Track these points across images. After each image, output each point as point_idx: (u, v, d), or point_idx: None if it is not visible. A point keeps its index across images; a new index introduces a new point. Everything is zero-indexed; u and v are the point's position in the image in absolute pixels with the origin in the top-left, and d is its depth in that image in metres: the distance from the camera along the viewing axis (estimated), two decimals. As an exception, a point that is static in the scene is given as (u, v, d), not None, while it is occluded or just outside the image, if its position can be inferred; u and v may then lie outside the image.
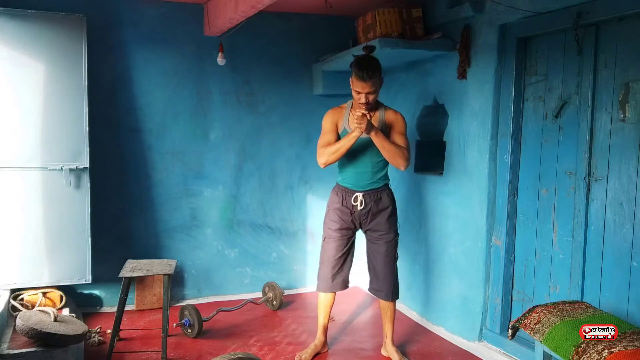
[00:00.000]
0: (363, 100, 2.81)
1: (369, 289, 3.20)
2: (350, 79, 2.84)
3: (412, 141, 3.93)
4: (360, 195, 3.00)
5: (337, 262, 3.09)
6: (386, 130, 2.96)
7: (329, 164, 2.95)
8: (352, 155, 2.97)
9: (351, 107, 2.99)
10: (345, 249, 3.09)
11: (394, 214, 3.09)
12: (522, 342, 3.04)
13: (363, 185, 3.02)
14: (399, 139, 2.94)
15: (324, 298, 3.16)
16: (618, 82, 2.57)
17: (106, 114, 3.79)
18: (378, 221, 3.04)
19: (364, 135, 2.84)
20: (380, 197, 3.03)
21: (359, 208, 3.01)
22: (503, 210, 3.21)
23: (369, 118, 2.77)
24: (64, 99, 3.39)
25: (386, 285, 3.09)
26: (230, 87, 4.13)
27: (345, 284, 3.16)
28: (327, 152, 2.90)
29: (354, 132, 2.79)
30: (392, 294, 3.11)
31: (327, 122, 3.01)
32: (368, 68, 2.76)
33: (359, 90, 2.81)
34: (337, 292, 3.19)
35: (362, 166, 3.00)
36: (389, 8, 3.49)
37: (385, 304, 3.15)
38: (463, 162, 3.45)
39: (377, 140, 2.82)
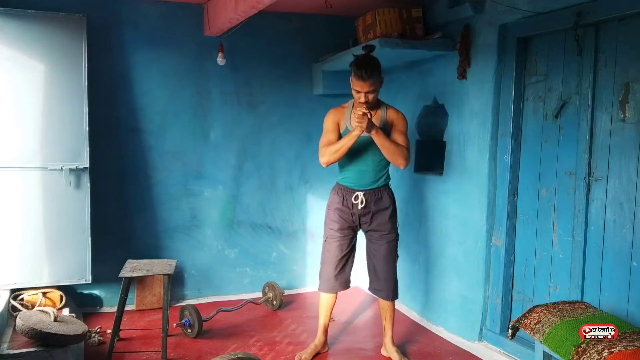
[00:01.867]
0: (363, 99, 2.82)
1: (369, 289, 3.20)
2: (350, 78, 2.85)
3: (412, 141, 3.93)
4: (361, 194, 3.01)
5: (339, 263, 3.09)
6: (387, 129, 2.97)
7: (331, 163, 2.96)
8: (353, 154, 2.97)
9: (352, 107, 3.00)
10: (346, 250, 3.09)
11: (394, 214, 3.10)
12: (522, 342, 3.04)
13: (364, 184, 3.02)
14: (399, 138, 2.95)
15: (326, 299, 3.16)
16: (618, 82, 2.58)
17: (106, 114, 3.80)
18: (379, 221, 3.04)
19: (365, 134, 2.84)
20: (381, 197, 3.03)
21: (359, 207, 3.01)
22: (503, 210, 3.21)
23: (369, 117, 2.78)
24: (64, 99, 3.39)
25: (386, 285, 3.09)
26: (231, 87, 4.13)
27: (347, 284, 3.16)
28: (329, 152, 2.91)
29: (355, 131, 2.80)
30: (392, 294, 3.11)
31: (329, 121, 3.01)
32: (367, 67, 2.77)
33: (359, 89, 2.81)
34: (338, 292, 3.19)
35: (364, 165, 3.00)
36: (389, 8, 3.49)
37: (385, 304, 3.15)
38: (463, 162, 3.45)
39: (378, 139, 2.83)
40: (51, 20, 3.35)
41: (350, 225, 3.07)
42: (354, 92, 2.87)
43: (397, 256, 3.11)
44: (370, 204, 3.02)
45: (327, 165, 2.98)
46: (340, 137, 2.97)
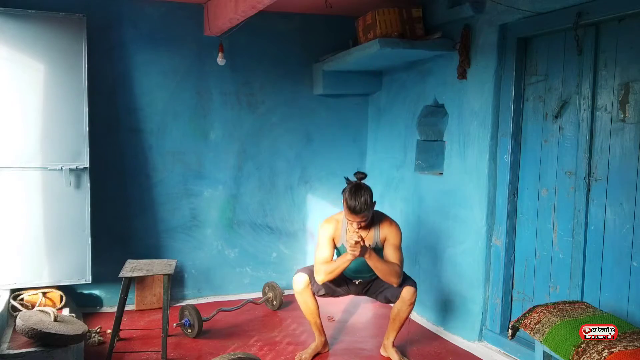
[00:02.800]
0: (356, 227, 2.88)
1: (383, 301, 3.18)
2: (343, 204, 2.89)
3: (412, 141, 3.94)
4: (357, 281, 3.16)
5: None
6: (379, 246, 3.02)
7: (328, 282, 3.02)
8: (350, 265, 2.98)
9: (347, 223, 2.98)
10: (337, 291, 3.18)
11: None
12: (522, 342, 3.04)
13: (362, 277, 3.14)
14: (392, 254, 2.98)
15: (303, 299, 3.09)
16: (618, 82, 2.58)
17: (106, 114, 3.80)
18: (377, 282, 3.12)
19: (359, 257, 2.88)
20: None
21: (356, 284, 3.17)
22: (503, 210, 3.21)
23: (362, 244, 2.81)
24: (64, 99, 3.39)
25: (406, 280, 3.04)
26: (231, 87, 4.13)
27: (318, 291, 3.12)
28: (324, 271, 2.96)
29: (348, 256, 2.85)
30: (411, 280, 3.06)
31: (324, 236, 3.04)
32: (358, 201, 2.82)
33: (351, 220, 2.87)
34: (318, 298, 3.15)
35: (360, 272, 3.11)
36: (389, 8, 3.49)
37: (400, 306, 3.03)
38: (463, 162, 3.45)
39: (371, 262, 2.89)
40: (51, 20, 3.34)
41: (346, 290, 3.20)
42: (346, 218, 2.90)
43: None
44: (368, 283, 3.16)
45: (323, 283, 3.02)
46: (335, 247, 3.06)
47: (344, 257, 2.88)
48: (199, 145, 4.10)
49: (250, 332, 3.53)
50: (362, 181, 2.96)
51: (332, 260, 3.02)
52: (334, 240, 3.05)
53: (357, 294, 3.23)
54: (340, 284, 3.14)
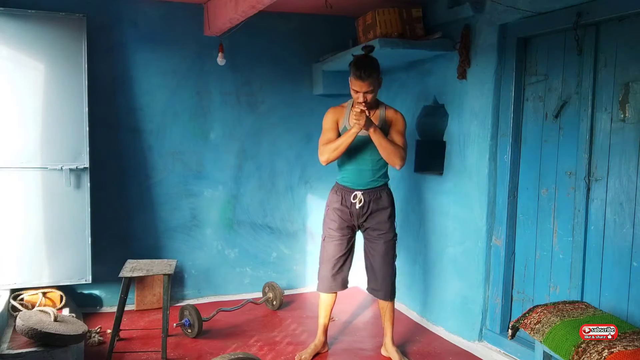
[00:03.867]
0: (361, 99, 2.85)
1: (367, 289, 3.20)
2: (349, 78, 2.87)
3: (412, 141, 3.93)
4: (359, 194, 3.02)
5: (337, 262, 3.09)
6: (386, 128, 2.98)
7: (331, 161, 2.99)
8: (352, 153, 2.99)
9: (352, 106, 3.00)
10: (345, 249, 3.09)
11: (393, 214, 3.10)
12: (522, 342, 3.04)
13: (363, 183, 3.03)
14: (397, 138, 2.97)
15: (325, 298, 3.16)
16: (618, 82, 2.57)
17: (106, 114, 3.80)
18: (377, 220, 3.04)
19: (364, 133, 2.86)
20: (380, 196, 3.04)
21: (357, 206, 3.02)
22: (503, 210, 3.21)
23: (367, 114, 2.81)
24: (64, 99, 3.39)
25: (384, 285, 3.09)
26: (231, 87, 4.14)
27: (345, 284, 3.16)
28: (328, 150, 2.94)
29: (353, 129, 2.84)
30: (390, 294, 3.12)
31: (328, 120, 3.03)
32: (366, 67, 2.79)
33: (357, 89, 2.84)
34: (337, 292, 3.19)
35: (362, 164, 3.01)
36: (389, 8, 3.49)
37: (384, 304, 3.15)
38: (463, 162, 3.45)
39: (375, 137, 2.85)
40: (51, 20, 3.34)
41: (349, 224, 3.07)
42: (352, 92, 2.89)
43: (396, 255, 3.12)
44: (369, 203, 3.03)
45: (327, 164, 3.00)
46: (339, 135, 2.99)
47: (348, 132, 2.87)
48: (199, 145, 4.10)
49: (250, 332, 3.53)
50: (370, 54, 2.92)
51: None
52: (337, 124, 3.02)
53: (358, 226, 3.10)
54: (343, 222, 3.05)
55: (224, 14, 3.46)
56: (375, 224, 3.05)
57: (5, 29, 3.26)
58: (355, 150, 2.98)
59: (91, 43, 3.52)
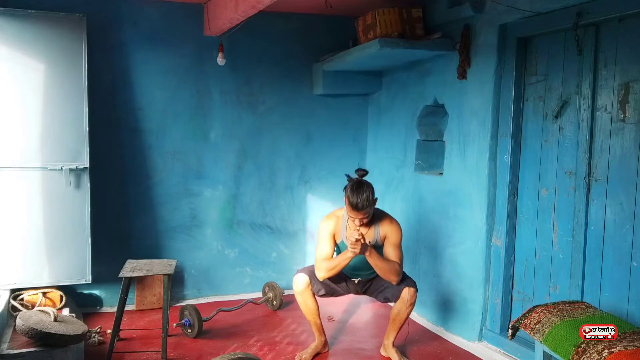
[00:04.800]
0: (357, 223, 2.90)
1: (382, 300, 3.19)
2: (345, 200, 2.90)
3: (412, 141, 3.94)
4: (357, 280, 3.16)
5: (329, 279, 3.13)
6: (379, 244, 3.03)
7: (328, 278, 3.03)
8: (350, 262, 2.99)
9: (347, 218, 3.00)
10: (337, 290, 3.18)
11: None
12: (522, 342, 3.04)
13: (361, 276, 3.14)
14: (392, 252, 2.99)
15: (303, 299, 3.09)
16: (618, 82, 2.58)
17: (106, 114, 3.80)
18: (377, 281, 3.13)
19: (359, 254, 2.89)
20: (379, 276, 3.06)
21: (356, 282, 3.17)
22: (503, 210, 3.21)
23: (362, 242, 2.81)
24: (64, 99, 3.39)
25: (405, 279, 3.05)
26: (231, 87, 4.13)
27: (318, 290, 3.12)
28: (325, 268, 2.97)
29: (349, 254, 2.86)
30: (412, 281, 3.05)
31: (324, 232, 3.05)
32: (361, 197, 2.82)
33: (353, 216, 2.89)
34: (318, 298, 3.16)
35: (360, 270, 3.10)
36: (389, 8, 3.49)
37: (401, 306, 3.01)
38: (463, 162, 3.45)
39: (371, 260, 2.90)
40: (51, 20, 3.34)
41: (346, 289, 3.20)
42: (348, 215, 2.92)
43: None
44: (368, 282, 3.16)
45: (324, 280, 3.03)
46: (336, 245, 3.06)
47: (345, 255, 2.89)
48: (199, 145, 4.10)
49: (250, 332, 3.53)
50: (364, 178, 2.96)
51: (332, 257, 3.03)
52: (334, 236, 3.05)
53: (357, 293, 3.23)
54: (339, 282, 3.15)
55: (224, 14, 3.46)
56: (376, 285, 3.14)
57: (5, 29, 3.26)
58: (353, 262, 2.98)
59: (91, 43, 3.52)
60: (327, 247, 3.03)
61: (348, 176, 3.00)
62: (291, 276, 4.42)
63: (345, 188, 2.92)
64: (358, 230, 2.85)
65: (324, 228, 3.06)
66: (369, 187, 2.88)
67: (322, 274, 2.98)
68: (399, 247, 3.02)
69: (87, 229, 3.46)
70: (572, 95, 2.83)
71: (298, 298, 3.11)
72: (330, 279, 3.06)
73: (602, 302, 2.66)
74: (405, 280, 3.04)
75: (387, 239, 3.01)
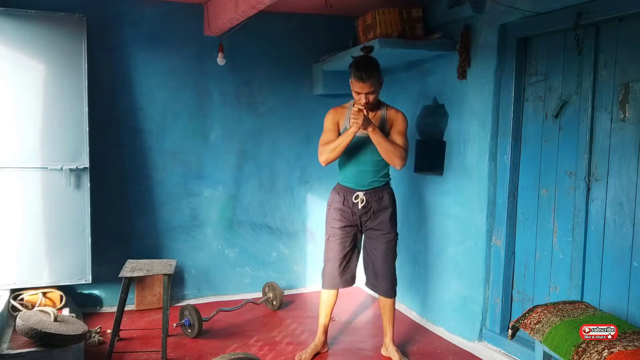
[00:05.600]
0: (363, 100, 2.84)
1: (366, 284, 3.22)
2: (350, 80, 2.86)
3: (412, 141, 3.93)
4: (361, 194, 3.02)
5: (344, 259, 3.10)
6: (386, 129, 2.98)
7: (330, 162, 2.98)
8: (352, 154, 2.99)
9: (353, 105, 2.99)
10: (349, 246, 3.10)
11: (394, 213, 3.10)
12: (522, 342, 3.04)
13: (364, 184, 3.03)
14: (397, 138, 2.96)
15: (327, 297, 3.16)
16: (618, 82, 2.58)
17: (106, 114, 3.80)
18: (379, 220, 3.04)
19: (363, 133, 2.86)
20: (382, 196, 3.04)
21: (360, 206, 3.02)
22: (503, 210, 3.21)
23: (365, 114, 2.79)
24: (64, 99, 3.39)
25: (385, 282, 3.09)
26: (231, 88, 4.13)
27: (352, 280, 3.17)
28: (327, 150, 2.93)
29: (352, 128, 2.82)
30: (391, 291, 3.11)
31: (329, 120, 3.03)
32: (366, 68, 2.78)
33: (359, 90, 2.83)
34: (339, 292, 3.19)
35: (363, 165, 3.01)
36: (389, 8, 3.49)
37: (384, 302, 3.15)
38: (463, 162, 3.45)
39: (374, 137, 2.84)
40: (51, 20, 3.34)
41: (352, 223, 3.07)
42: (354, 94, 2.88)
43: (396, 255, 3.12)
44: (371, 203, 3.03)
45: (326, 164, 2.99)
46: (339, 133, 2.99)
47: (347, 132, 2.86)
48: (199, 145, 4.10)
49: (250, 332, 3.53)
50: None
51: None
52: (338, 124, 3.01)
53: (360, 229, 3.10)
54: (344, 221, 3.05)
55: (224, 14, 3.46)
56: (377, 224, 3.05)
57: (5, 29, 3.26)
58: (356, 151, 2.97)
59: (91, 43, 3.52)
60: (330, 134, 2.98)
61: (354, 56, 2.92)
62: (291, 276, 4.46)
63: (350, 65, 2.86)
64: (365, 104, 2.81)
65: (328, 117, 3.03)
66: (376, 62, 2.83)
67: (324, 157, 2.93)
68: (405, 135, 2.98)
69: (87, 229, 3.46)
70: (572, 95, 2.83)
71: (324, 296, 3.17)
72: (337, 216, 3.03)
73: (602, 302, 2.66)
74: (389, 290, 3.09)
75: (393, 126, 2.97)
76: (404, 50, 3.40)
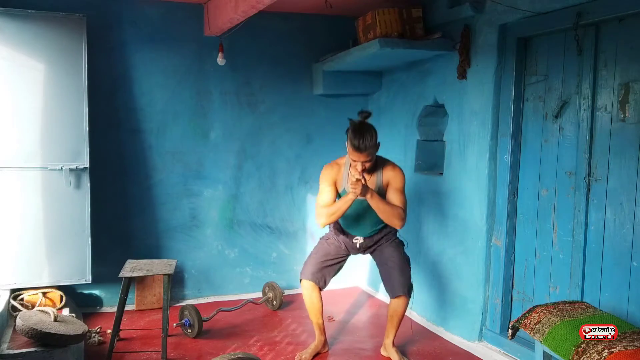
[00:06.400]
0: (360, 168, 2.81)
1: (386, 290, 3.14)
2: (347, 144, 2.84)
3: (412, 141, 3.94)
4: (361, 239, 3.09)
5: (327, 261, 3.11)
6: (382, 190, 2.97)
7: (328, 224, 2.98)
8: (352, 211, 2.97)
9: (349, 165, 2.93)
10: (338, 259, 3.14)
11: (399, 245, 3.12)
12: (522, 342, 3.04)
13: (364, 233, 3.09)
14: (395, 198, 2.92)
15: (308, 295, 3.09)
16: (618, 82, 2.58)
17: (106, 114, 3.80)
18: (381, 249, 3.10)
19: (362, 197, 2.83)
20: (382, 236, 3.08)
21: (357, 247, 3.10)
22: (503, 210, 3.21)
23: (363, 182, 2.76)
24: (64, 99, 3.39)
25: (402, 278, 3.00)
26: (231, 87, 4.14)
27: (324, 283, 3.11)
28: (325, 213, 2.90)
29: (350, 195, 2.80)
30: (406, 287, 3.00)
31: (325, 179, 2.99)
32: (363, 139, 2.74)
33: (355, 159, 2.80)
34: (324, 292, 3.16)
35: (362, 219, 3.05)
36: (389, 8, 3.49)
37: (397, 304, 3.04)
38: (463, 162, 3.45)
39: (373, 202, 2.82)
40: (51, 20, 3.34)
41: (346, 254, 3.15)
42: (350, 158, 2.85)
43: (409, 258, 3.12)
44: (370, 244, 3.10)
45: (324, 227, 2.98)
46: (338, 194, 2.98)
47: (346, 197, 2.83)
48: (199, 145, 4.10)
49: (250, 332, 3.53)
50: (367, 120, 2.87)
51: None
52: (335, 185, 2.98)
53: (358, 252, 3.16)
54: (338, 249, 3.09)
55: (224, 14, 3.46)
56: (381, 253, 3.10)
57: (5, 29, 3.26)
58: (355, 209, 2.96)
59: (91, 43, 3.52)
60: (328, 195, 2.94)
61: (350, 120, 2.88)
62: (291, 276, 4.45)
63: (347, 130, 2.83)
64: (360, 172, 2.78)
65: (324, 176, 2.98)
66: (372, 129, 2.79)
67: (322, 220, 2.89)
68: (402, 192, 2.94)
69: (87, 229, 3.46)
70: (572, 95, 2.83)
71: (305, 294, 3.10)
72: (329, 249, 3.06)
73: (602, 302, 2.66)
74: (403, 285, 2.98)
75: (390, 185, 2.94)
76: (404, 50, 3.40)
